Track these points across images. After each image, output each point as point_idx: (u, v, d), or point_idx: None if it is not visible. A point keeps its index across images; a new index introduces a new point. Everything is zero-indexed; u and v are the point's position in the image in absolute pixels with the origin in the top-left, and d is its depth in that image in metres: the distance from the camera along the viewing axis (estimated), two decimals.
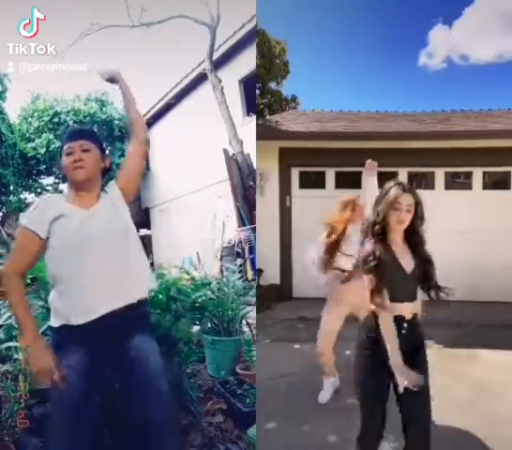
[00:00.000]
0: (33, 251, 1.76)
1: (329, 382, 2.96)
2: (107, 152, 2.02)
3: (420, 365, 1.82)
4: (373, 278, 1.76)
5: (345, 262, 2.79)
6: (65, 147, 1.88)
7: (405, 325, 1.81)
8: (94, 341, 1.70)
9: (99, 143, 1.94)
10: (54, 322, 1.76)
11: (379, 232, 1.79)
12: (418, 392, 1.72)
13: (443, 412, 2.54)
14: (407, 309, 1.83)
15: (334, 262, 2.83)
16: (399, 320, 1.81)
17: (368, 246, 1.80)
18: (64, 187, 12.07)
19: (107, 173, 1.98)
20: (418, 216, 1.80)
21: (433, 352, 2.11)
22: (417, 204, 1.79)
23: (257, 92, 8.51)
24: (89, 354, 1.70)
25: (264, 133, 5.66)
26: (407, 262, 1.81)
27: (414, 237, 1.83)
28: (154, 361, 1.78)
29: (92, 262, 1.72)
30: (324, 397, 2.93)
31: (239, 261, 6.24)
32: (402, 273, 1.80)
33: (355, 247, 2.72)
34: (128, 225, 1.87)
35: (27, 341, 1.71)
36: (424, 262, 1.83)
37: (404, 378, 1.71)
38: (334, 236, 2.83)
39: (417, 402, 1.77)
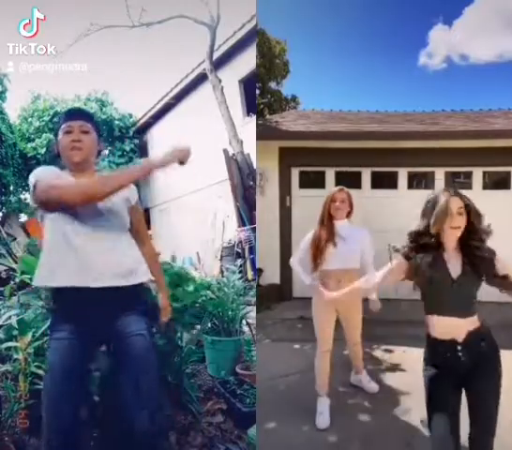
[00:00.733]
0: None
1: (325, 402, 2.77)
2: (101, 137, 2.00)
3: (486, 388, 1.71)
4: (402, 263, 1.71)
5: (335, 261, 2.72)
6: (63, 126, 1.84)
7: (459, 348, 1.70)
8: (87, 313, 1.70)
9: (97, 127, 1.92)
10: (35, 281, 1.75)
11: (433, 243, 1.70)
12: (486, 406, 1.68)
13: None
14: (458, 327, 1.71)
15: (322, 262, 2.74)
16: (450, 344, 1.70)
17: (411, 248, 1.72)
18: None
19: (99, 156, 1.99)
20: (472, 217, 1.74)
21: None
22: (467, 206, 1.72)
23: (257, 92, 8.50)
24: (80, 326, 1.69)
25: (264, 133, 5.66)
26: (455, 269, 1.71)
27: (470, 240, 1.75)
28: (144, 338, 1.76)
29: (94, 233, 1.72)
30: (325, 421, 2.67)
31: (239, 261, 6.24)
32: (449, 280, 1.69)
33: (346, 246, 2.72)
34: (125, 214, 1.88)
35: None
36: (477, 260, 1.73)
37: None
38: (319, 233, 2.76)
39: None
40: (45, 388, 1.69)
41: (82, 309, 1.70)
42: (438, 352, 1.73)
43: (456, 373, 1.71)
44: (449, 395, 1.71)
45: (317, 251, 2.74)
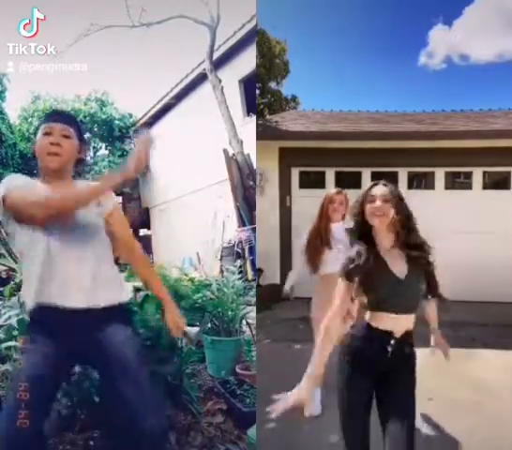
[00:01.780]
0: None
1: (317, 391, 2.74)
2: (85, 144, 1.87)
3: (400, 388, 1.65)
4: (349, 286, 1.61)
5: (332, 264, 2.58)
6: (43, 126, 1.71)
7: (392, 342, 1.65)
8: (64, 331, 1.64)
9: (79, 132, 1.79)
10: (29, 296, 1.68)
11: (364, 232, 1.65)
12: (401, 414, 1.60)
13: (443, 413, 2.55)
14: (397, 323, 1.64)
15: (320, 263, 2.71)
16: (385, 335, 1.64)
17: (352, 248, 1.65)
18: None
19: (81, 165, 1.87)
20: (402, 212, 1.63)
21: (431, 352, 2.10)
22: (399, 199, 1.64)
23: (257, 92, 8.50)
24: (59, 342, 1.63)
25: (264, 133, 5.66)
26: (400, 268, 1.62)
27: (402, 236, 1.63)
28: (129, 347, 1.71)
29: (66, 247, 1.64)
30: (316, 409, 2.70)
31: (239, 261, 6.24)
32: (392, 279, 1.61)
33: (342, 248, 2.60)
34: (100, 228, 1.77)
35: None
36: (417, 265, 1.63)
37: (294, 396, 1.63)
38: (314, 235, 2.74)
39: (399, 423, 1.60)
40: (7, 398, 1.62)
41: (60, 326, 1.65)
42: (369, 342, 1.66)
43: (377, 367, 1.67)
44: (364, 386, 1.69)
45: (314, 253, 2.71)
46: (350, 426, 1.73)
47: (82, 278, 1.67)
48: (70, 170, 1.79)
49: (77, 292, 1.66)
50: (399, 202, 1.63)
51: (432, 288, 1.69)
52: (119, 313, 1.77)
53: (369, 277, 1.59)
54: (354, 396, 1.68)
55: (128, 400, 1.59)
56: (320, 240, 2.71)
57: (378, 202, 1.61)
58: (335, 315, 1.62)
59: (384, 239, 1.64)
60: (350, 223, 2.76)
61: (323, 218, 2.75)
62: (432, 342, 1.99)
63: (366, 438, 1.69)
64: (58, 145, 1.69)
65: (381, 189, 1.65)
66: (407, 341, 1.68)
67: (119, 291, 1.81)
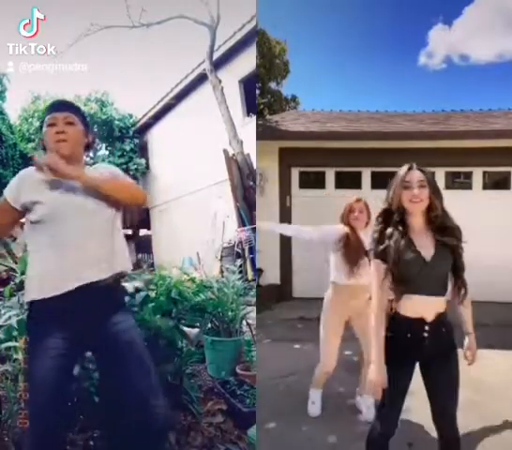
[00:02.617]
0: (6, 220, 1.79)
1: (318, 393, 2.79)
2: (90, 129, 1.92)
3: (447, 375, 1.75)
4: (381, 266, 1.64)
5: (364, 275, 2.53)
6: (47, 117, 1.78)
7: (427, 328, 1.66)
8: (69, 319, 1.66)
9: (83, 118, 1.85)
10: (26, 295, 1.74)
11: (396, 219, 1.65)
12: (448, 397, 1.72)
13: None
14: (427, 307, 1.66)
15: (358, 272, 2.59)
16: (417, 322, 1.66)
17: (381, 231, 1.68)
18: None
19: (89, 150, 1.93)
20: (434, 194, 1.64)
21: None
22: (430, 182, 1.65)
23: (257, 92, 8.50)
24: (66, 333, 1.66)
25: (264, 133, 5.66)
26: (427, 249, 1.64)
27: (436, 220, 1.66)
28: (137, 336, 1.77)
29: (70, 231, 1.70)
30: (317, 410, 2.75)
31: (239, 261, 6.24)
32: (419, 260, 1.62)
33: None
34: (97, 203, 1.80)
35: None
36: (444, 248, 1.65)
37: (371, 385, 1.64)
38: (348, 246, 2.62)
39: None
40: (32, 398, 1.67)
41: (67, 314, 1.67)
42: (402, 331, 1.68)
43: (415, 354, 1.71)
44: (401, 375, 1.70)
45: (356, 256, 2.58)
46: (384, 413, 1.76)
47: (94, 252, 1.73)
48: (81, 156, 1.86)
49: (91, 267, 1.71)
50: (434, 187, 1.65)
51: (458, 270, 1.70)
52: (121, 298, 1.87)
53: (398, 258, 1.61)
54: (389, 383, 1.68)
55: (137, 381, 1.66)
56: (358, 250, 2.59)
57: (415, 189, 1.61)
58: (380, 301, 1.67)
59: (417, 222, 1.67)
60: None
61: (350, 230, 2.66)
62: (465, 346, 1.97)
63: (394, 426, 1.76)
64: (64, 133, 1.74)
65: (416, 175, 1.64)
66: (442, 324, 1.70)
67: (128, 260, 1.89)
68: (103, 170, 1.91)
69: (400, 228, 1.65)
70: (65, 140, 1.74)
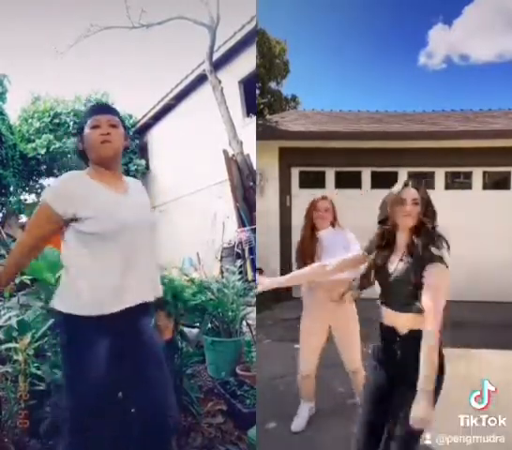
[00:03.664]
0: (49, 229, 1.70)
1: (307, 407, 2.74)
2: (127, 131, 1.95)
3: (406, 408, 1.51)
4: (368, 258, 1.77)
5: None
6: (90, 120, 1.78)
7: (398, 339, 1.68)
8: (114, 332, 1.68)
9: (122, 121, 1.88)
10: (79, 309, 1.66)
11: (389, 229, 1.70)
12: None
13: (442, 414, 2.54)
14: (399, 321, 1.68)
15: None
16: (392, 331, 1.70)
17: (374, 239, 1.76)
18: None
19: (125, 152, 1.94)
20: (426, 212, 1.66)
21: None
22: (424, 200, 1.68)
23: (257, 92, 8.50)
24: (109, 345, 1.67)
25: (264, 133, 5.66)
26: (395, 264, 1.69)
27: (420, 237, 1.65)
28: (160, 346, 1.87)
29: (126, 248, 1.69)
30: (300, 424, 2.65)
31: (239, 261, 6.23)
32: (385, 275, 1.70)
33: (329, 257, 2.34)
34: (154, 219, 1.96)
35: None
36: (417, 267, 1.61)
37: (419, 413, 1.46)
38: (300, 245, 2.63)
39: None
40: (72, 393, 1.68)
41: (111, 332, 1.69)
42: (381, 338, 1.76)
43: (388, 366, 1.72)
44: (379, 384, 1.74)
45: (302, 265, 2.49)
46: (363, 410, 1.79)
47: (149, 270, 1.80)
48: (120, 159, 1.87)
49: (147, 286, 1.78)
50: (426, 205, 1.68)
51: (419, 287, 1.61)
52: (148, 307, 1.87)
53: (370, 269, 1.75)
54: (370, 384, 1.76)
55: (158, 386, 1.74)
56: (306, 251, 2.58)
57: (410, 206, 1.66)
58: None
59: (402, 238, 1.70)
60: (342, 230, 2.63)
61: (308, 227, 2.64)
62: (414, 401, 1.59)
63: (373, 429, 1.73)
64: (109, 134, 1.75)
65: (412, 193, 1.68)
66: (418, 342, 1.58)
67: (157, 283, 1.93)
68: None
69: (389, 245, 1.72)
70: (110, 141, 1.75)
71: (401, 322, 1.68)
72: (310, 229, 2.63)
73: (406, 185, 1.71)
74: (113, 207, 1.70)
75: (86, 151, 1.79)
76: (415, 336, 1.59)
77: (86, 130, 1.77)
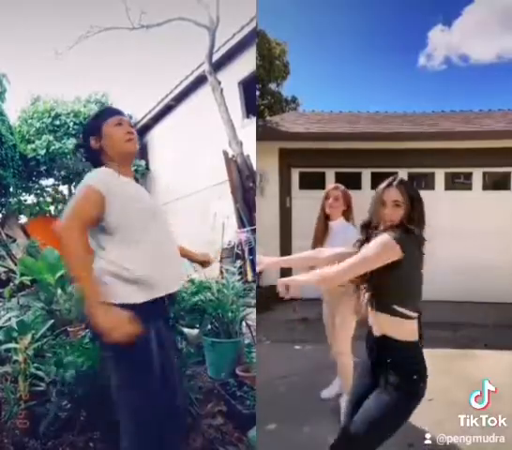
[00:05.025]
0: (97, 211, 1.66)
1: (338, 382, 2.89)
2: None
3: (371, 406, 1.61)
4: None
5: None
6: (112, 119, 1.87)
7: (372, 341, 1.71)
8: (157, 316, 1.77)
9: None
10: (134, 296, 1.67)
11: (371, 233, 1.66)
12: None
13: (442, 414, 2.54)
14: (374, 320, 1.68)
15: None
16: (370, 331, 1.72)
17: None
18: (64, 188, 12.07)
19: None
20: (411, 213, 1.60)
21: (431, 353, 2.10)
22: (413, 200, 1.61)
23: (257, 93, 8.51)
24: (155, 329, 1.74)
25: (264, 134, 5.66)
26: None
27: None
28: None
29: (164, 231, 1.86)
30: (327, 393, 2.91)
31: (239, 262, 6.23)
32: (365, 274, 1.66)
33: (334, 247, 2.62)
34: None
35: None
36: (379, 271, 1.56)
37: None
38: (316, 230, 2.78)
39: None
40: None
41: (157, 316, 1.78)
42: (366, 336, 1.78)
43: (369, 363, 1.73)
44: (361, 380, 1.75)
45: (316, 241, 2.75)
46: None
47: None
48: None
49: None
50: (413, 205, 1.62)
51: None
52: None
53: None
54: (358, 376, 1.78)
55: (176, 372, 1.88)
56: (318, 239, 2.72)
57: (389, 209, 1.60)
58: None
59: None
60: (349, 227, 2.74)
61: (321, 217, 2.77)
62: None
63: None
64: (132, 133, 1.89)
65: (393, 194, 1.61)
66: (389, 350, 1.61)
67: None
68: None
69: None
70: (134, 138, 1.88)
71: (377, 322, 1.67)
72: (324, 218, 2.75)
73: (389, 185, 1.64)
74: (143, 197, 1.87)
75: (105, 148, 1.84)
76: (388, 342, 1.62)
77: (109, 128, 1.85)
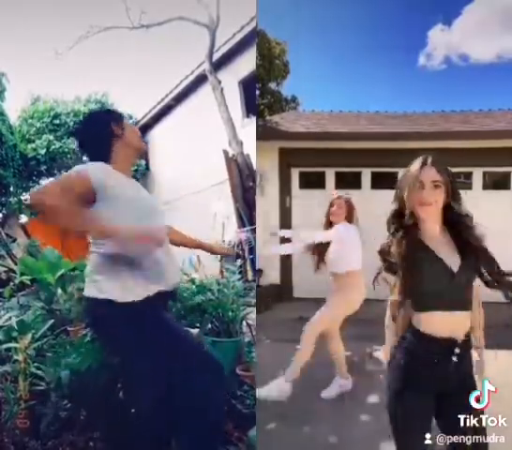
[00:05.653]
0: (78, 193, 1.65)
1: (338, 381, 3.03)
2: None
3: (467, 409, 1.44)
4: (397, 282, 1.39)
5: (338, 262, 2.92)
6: (126, 121, 1.97)
7: (457, 351, 1.40)
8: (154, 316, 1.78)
9: None
10: (125, 295, 1.70)
11: (408, 222, 1.40)
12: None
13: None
14: (455, 324, 1.41)
15: (323, 263, 3.02)
16: (445, 342, 1.40)
17: (390, 240, 1.42)
18: None
19: None
20: (451, 195, 1.41)
21: None
22: (450, 182, 1.41)
23: (257, 92, 8.50)
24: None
25: (264, 133, 5.66)
26: (452, 258, 1.40)
27: (454, 223, 1.42)
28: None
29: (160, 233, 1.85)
30: (327, 393, 2.97)
31: (239, 261, 6.23)
32: (444, 270, 1.39)
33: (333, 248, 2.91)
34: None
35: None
36: (476, 253, 1.43)
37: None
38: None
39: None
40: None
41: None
42: (426, 355, 1.42)
43: (438, 382, 1.44)
44: (419, 411, 1.45)
45: (318, 256, 3.10)
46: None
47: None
48: None
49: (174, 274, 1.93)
50: (450, 187, 1.42)
51: (492, 274, 1.52)
52: None
53: (416, 270, 1.38)
54: (408, 417, 1.43)
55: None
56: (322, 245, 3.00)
57: (428, 191, 1.39)
58: (393, 307, 1.47)
59: (430, 228, 1.44)
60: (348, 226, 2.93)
61: (326, 222, 3.04)
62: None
63: None
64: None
65: (432, 175, 1.40)
66: (469, 346, 1.45)
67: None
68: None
69: (411, 234, 1.41)
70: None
71: (460, 324, 1.43)
72: (328, 223, 3.04)
73: (423, 164, 1.41)
74: (139, 192, 1.91)
75: (127, 140, 1.90)
76: (469, 339, 1.45)
77: (127, 123, 1.96)
